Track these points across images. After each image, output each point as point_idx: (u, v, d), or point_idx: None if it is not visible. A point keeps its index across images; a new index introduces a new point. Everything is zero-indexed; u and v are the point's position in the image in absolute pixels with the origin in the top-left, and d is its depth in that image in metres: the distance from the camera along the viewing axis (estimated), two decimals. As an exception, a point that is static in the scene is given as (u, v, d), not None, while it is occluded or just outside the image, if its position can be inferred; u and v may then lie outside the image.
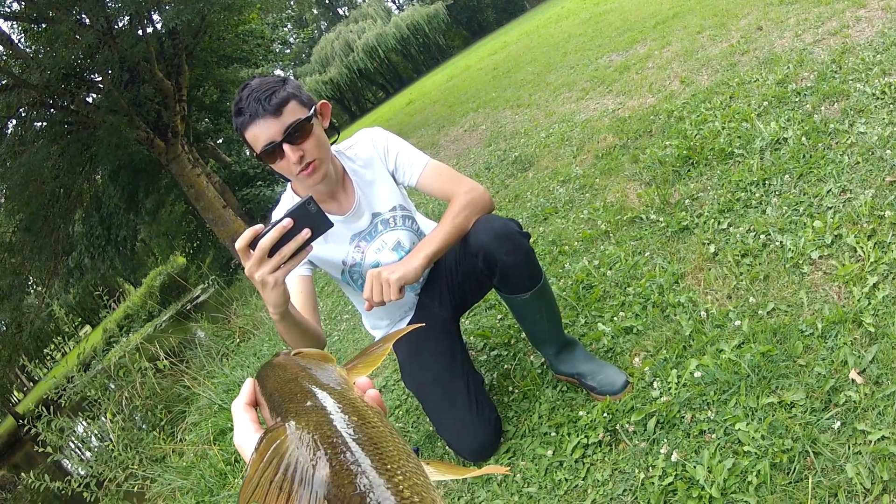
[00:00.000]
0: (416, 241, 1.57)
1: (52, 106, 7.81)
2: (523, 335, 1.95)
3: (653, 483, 1.23)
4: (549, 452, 1.46)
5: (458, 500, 1.52)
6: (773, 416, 1.20)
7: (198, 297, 12.79)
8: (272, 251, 0.94)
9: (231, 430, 3.02)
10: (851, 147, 1.93)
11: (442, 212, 1.46)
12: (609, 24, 7.17)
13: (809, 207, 1.76)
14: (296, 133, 1.27)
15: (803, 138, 2.11)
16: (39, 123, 8.15)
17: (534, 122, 4.82)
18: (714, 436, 1.24)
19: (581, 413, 1.50)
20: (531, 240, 1.51)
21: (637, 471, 1.28)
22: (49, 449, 3.70)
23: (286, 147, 1.27)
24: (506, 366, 1.88)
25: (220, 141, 12.92)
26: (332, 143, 1.46)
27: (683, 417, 1.33)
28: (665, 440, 1.31)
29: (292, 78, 1.46)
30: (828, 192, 1.77)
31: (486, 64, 11.80)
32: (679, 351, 1.51)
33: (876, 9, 2.92)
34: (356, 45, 32.37)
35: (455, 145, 6.08)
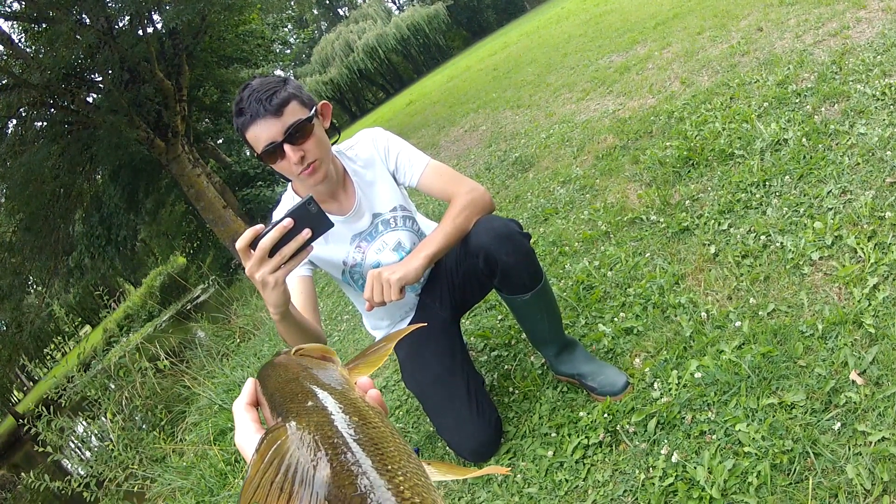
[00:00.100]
0: (416, 241, 1.57)
1: (52, 106, 7.81)
2: (524, 336, 1.95)
3: (653, 484, 1.23)
4: (550, 453, 1.46)
5: (459, 500, 1.52)
6: (774, 416, 1.20)
7: (198, 297, 12.79)
8: (273, 251, 0.94)
9: (231, 430, 3.02)
10: (852, 148, 1.93)
11: (442, 212, 1.46)
12: (609, 25, 7.17)
13: (810, 208, 1.76)
14: (297, 133, 1.27)
15: (804, 139, 2.11)
16: (40, 123, 8.16)
17: (534, 122, 4.82)
18: (714, 437, 1.24)
19: (581, 414, 1.50)
20: (532, 240, 1.52)
21: (637, 471, 1.28)
22: (49, 449, 3.70)
23: (287, 147, 1.28)
24: (506, 366, 1.88)
25: (221, 141, 12.92)
26: (332, 144, 1.46)
27: (684, 418, 1.33)
28: (665, 441, 1.30)
29: (293, 78, 1.46)
30: (828, 193, 1.77)
31: (486, 64, 11.80)
32: (679, 352, 1.51)
33: (876, 10, 2.92)
34: (356, 46, 32.38)
35: (455, 146, 6.09)
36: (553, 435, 1.50)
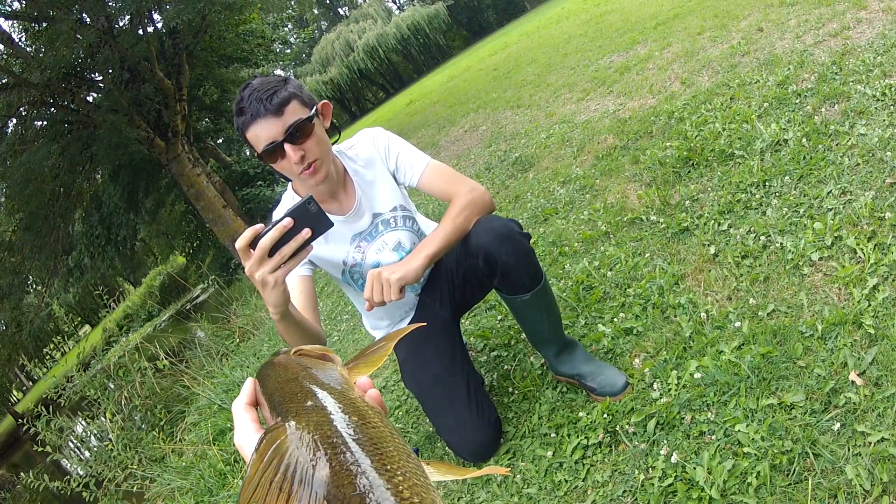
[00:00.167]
0: (416, 241, 1.57)
1: (52, 105, 7.81)
2: (523, 336, 1.95)
3: (652, 484, 1.23)
4: (549, 453, 1.46)
5: (458, 500, 1.52)
6: (773, 417, 1.20)
7: (197, 296, 12.79)
8: (272, 251, 0.94)
9: (231, 430, 3.02)
10: (852, 149, 1.93)
11: (442, 212, 1.46)
12: (609, 25, 7.17)
13: (810, 209, 1.76)
14: (297, 133, 1.27)
15: (804, 140, 2.12)
16: (40, 122, 8.16)
17: (534, 122, 4.82)
18: (714, 437, 1.24)
19: (581, 414, 1.50)
20: (531, 240, 1.52)
21: (637, 472, 1.28)
22: (48, 448, 3.70)
23: (287, 147, 1.28)
24: (506, 366, 1.88)
25: (221, 141, 12.92)
26: (333, 143, 1.46)
27: (683, 419, 1.33)
28: (665, 441, 1.30)
29: (293, 78, 1.46)
30: (828, 193, 1.77)
31: (486, 64, 11.80)
32: (679, 352, 1.51)
33: (876, 10, 2.92)
34: (356, 46, 32.40)
35: (455, 146, 6.09)
36: (552, 435, 1.50)
